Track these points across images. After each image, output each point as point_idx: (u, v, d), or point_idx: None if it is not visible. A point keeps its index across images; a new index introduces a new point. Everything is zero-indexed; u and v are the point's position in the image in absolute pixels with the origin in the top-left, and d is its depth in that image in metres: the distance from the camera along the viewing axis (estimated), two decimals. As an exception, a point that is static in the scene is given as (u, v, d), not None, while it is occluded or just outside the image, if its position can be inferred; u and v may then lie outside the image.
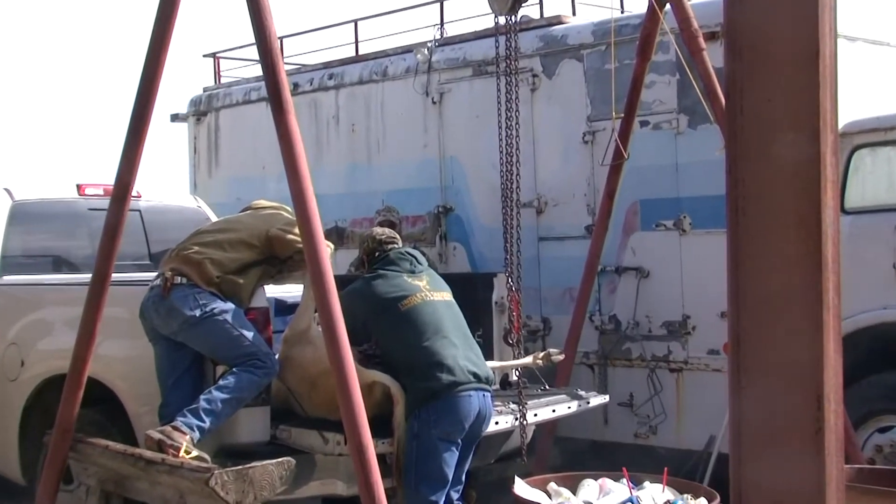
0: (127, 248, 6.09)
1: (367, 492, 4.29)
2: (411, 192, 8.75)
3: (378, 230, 5.74)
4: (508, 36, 5.69)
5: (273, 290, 5.75)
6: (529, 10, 8.16)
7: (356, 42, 9.96)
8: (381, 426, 4.87)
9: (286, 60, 10.08)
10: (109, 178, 5.49)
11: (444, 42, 8.81)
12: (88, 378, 5.23)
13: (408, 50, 8.96)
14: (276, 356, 5.27)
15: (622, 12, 8.31)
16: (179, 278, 5.20)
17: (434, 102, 8.60)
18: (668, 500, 4.79)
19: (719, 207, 5.72)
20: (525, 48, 7.52)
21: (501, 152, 5.67)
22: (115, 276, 5.23)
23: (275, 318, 5.59)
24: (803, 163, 2.00)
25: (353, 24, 10.10)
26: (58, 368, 5.74)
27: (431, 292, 5.29)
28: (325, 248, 4.50)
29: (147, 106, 4.99)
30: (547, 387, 6.31)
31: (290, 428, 5.25)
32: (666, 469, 5.04)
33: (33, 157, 26.49)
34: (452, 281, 5.65)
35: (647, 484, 4.96)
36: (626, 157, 7.09)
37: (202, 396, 4.97)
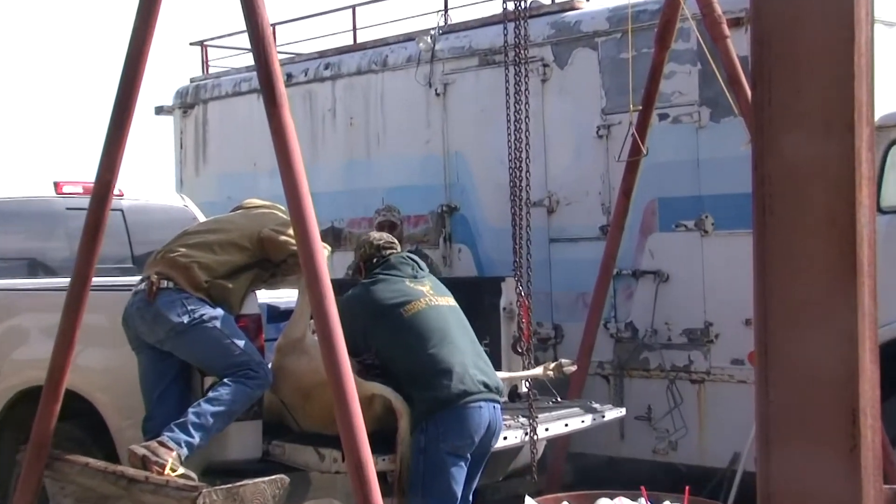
0: (108, 251, 6.08)
1: (366, 512, 4.29)
2: (413, 190, 8.75)
3: (375, 234, 5.74)
4: (518, 23, 5.70)
5: (265, 296, 5.76)
6: (540, -5, 8.19)
7: (354, 29, 9.99)
8: (381, 442, 4.87)
9: (279, 49, 10.08)
10: (89, 175, 5.51)
11: (449, 29, 8.82)
12: (66, 390, 5.23)
13: (409, 38, 8.97)
14: (269, 366, 5.27)
15: (640, -3, 8.33)
16: (166, 282, 5.21)
17: (438, 94, 8.61)
18: (690, 521, 4.80)
19: (744, 206, 5.73)
20: (535, 36, 7.53)
21: (510, 147, 5.69)
22: (95, 280, 5.23)
23: (267, 326, 5.60)
24: (836, 158, 1.99)
25: (350, 9, 10.12)
26: (33, 379, 5.74)
27: (435, 297, 5.29)
28: (322, 250, 4.50)
29: (130, 98, 4.99)
30: (559, 399, 6.32)
31: (284, 443, 5.26)
32: (687, 488, 5.04)
33: (6, 152, 26.53)
34: (458, 285, 5.66)
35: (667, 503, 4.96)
36: (643, 152, 7.08)
37: (191, 410, 4.97)
